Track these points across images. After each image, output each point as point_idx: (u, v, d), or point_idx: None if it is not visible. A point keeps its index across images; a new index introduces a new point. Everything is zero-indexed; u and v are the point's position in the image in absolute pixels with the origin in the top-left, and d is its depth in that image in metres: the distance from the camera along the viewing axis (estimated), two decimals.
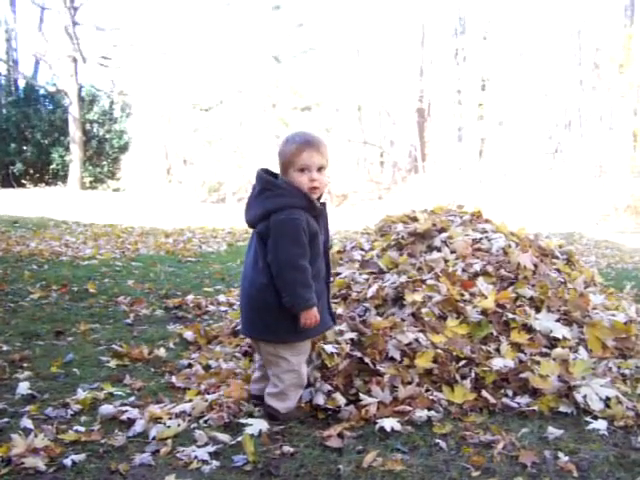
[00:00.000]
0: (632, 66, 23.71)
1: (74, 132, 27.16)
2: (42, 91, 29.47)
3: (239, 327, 3.14)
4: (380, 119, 41.79)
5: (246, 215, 2.93)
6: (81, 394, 3.09)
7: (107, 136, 30.25)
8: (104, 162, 30.66)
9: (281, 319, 2.80)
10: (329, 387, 3.05)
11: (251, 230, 2.98)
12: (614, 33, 25.52)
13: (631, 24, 26.26)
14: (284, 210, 2.74)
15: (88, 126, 29.24)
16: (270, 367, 2.93)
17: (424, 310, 3.45)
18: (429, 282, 3.65)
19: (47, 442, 2.54)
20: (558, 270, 4.11)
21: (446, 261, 3.86)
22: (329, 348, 3.17)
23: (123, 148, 31.84)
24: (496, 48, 26.81)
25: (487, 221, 4.46)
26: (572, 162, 25.00)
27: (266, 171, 2.90)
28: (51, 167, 28.55)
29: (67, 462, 2.41)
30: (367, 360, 3.16)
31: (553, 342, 3.42)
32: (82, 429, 2.71)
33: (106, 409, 2.90)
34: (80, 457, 2.46)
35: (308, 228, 2.77)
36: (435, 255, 3.91)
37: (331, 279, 3.42)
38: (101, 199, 21.71)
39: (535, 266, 3.89)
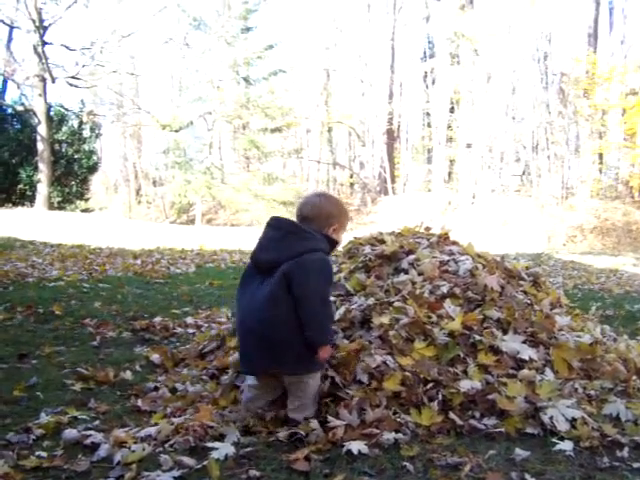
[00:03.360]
0: (595, 91, 24.17)
1: (42, 152, 26.94)
2: (10, 110, 29.21)
3: (241, 362, 3.12)
4: (350, 141, 42.06)
5: (265, 254, 3.05)
6: (44, 418, 3.03)
7: (76, 156, 30.04)
8: (73, 182, 30.43)
9: (305, 352, 2.93)
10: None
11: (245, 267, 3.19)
12: (578, 59, 25.99)
13: (594, 51, 26.79)
14: (317, 252, 2.98)
15: (57, 146, 29.03)
16: (293, 387, 3.05)
17: (391, 332, 3.45)
18: (396, 304, 3.65)
19: (7, 469, 2.48)
20: (525, 292, 4.13)
21: (413, 283, 3.86)
22: None
23: (92, 168, 31.66)
24: (465, 71, 27.12)
25: (454, 243, 4.48)
26: (540, 184, 25.29)
27: (280, 218, 3.17)
28: (19, 187, 28.27)
29: None
30: (338, 380, 3.16)
31: (520, 363, 3.43)
32: (44, 454, 2.65)
33: (70, 433, 2.84)
34: None
35: None
36: (402, 277, 3.91)
37: None
38: (69, 220, 21.52)
39: (502, 288, 3.91)
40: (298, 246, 2.97)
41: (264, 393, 3.14)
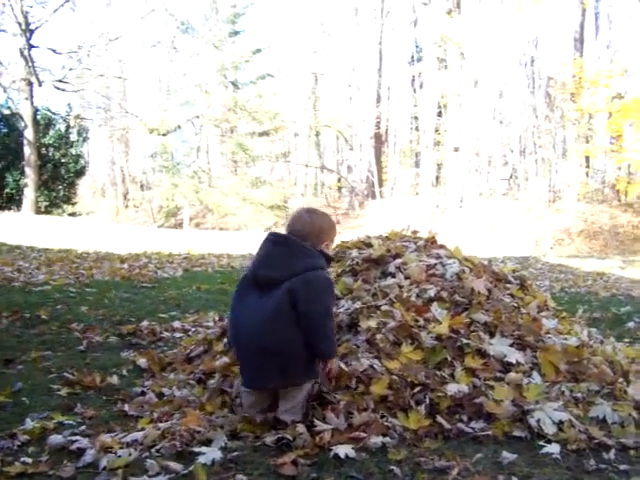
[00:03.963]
0: (582, 95, 24.32)
1: (29, 156, 26.75)
2: None
3: (249, 380, 3.13)
4: (338, 144, 42.10)
5: (266, 271, 3.06)
6: (29, 424, 3.00)
7: (63, 160, 29.85)
8: (60, 186, 30.25)
9: (308, 364, 3.03)
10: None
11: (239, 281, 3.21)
12: (565, 63, 26.14)
13: (581, 55, 26.96)
14: (318, 269, 3.05)
15: (44, 150, 28.83)
16: (287, 393, 3.07)
17: (379, 336, 3.45)
18: (384, 308, 3.65)
19: None
20: (511, 295, 4.14)
21: (400, 287, 3.87)
22: None
23: (79, 172, 31.46)
24: (452, 75, 27.20)
25: (441, 247, 4.49)
26: (527, 188, 25.39)
27: (281, 234, 3.19)
28: (5, 191, 28.10)
29: None
30: (324, 388, 3.16)
31: (507, 367, 3.43)
32: (29, 460, 2.62)
33: (55, 439, 2.82)
34: None
35: None
36: (389, 281, 3.92)
37: None
38: (56, 224, 21.39)
39: (489, 291, 3.92)
40: (301, 263, 3.02)
41: (264, 399, 3.14)
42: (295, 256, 3.04)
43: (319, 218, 3.27)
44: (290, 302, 2.93)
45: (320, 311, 2.99)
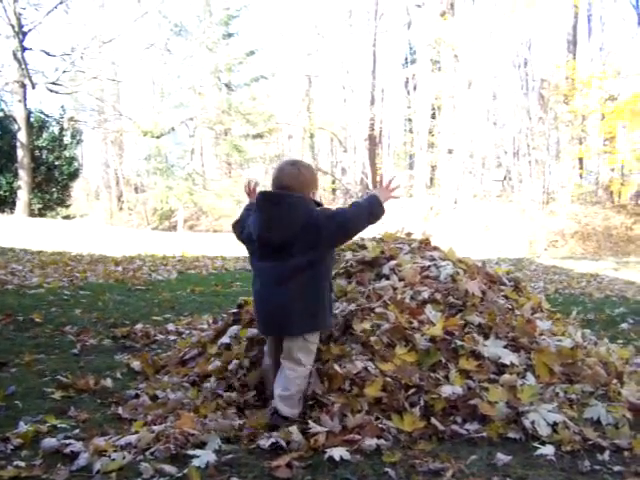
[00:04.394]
0: (575, 96, 24.36)
1: (22, 158, 26.67)
2: None
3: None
4: (332, 146, 42.09)
5: (273, 233, 3.15)
6: (23, 427, 2.99)
7: (56, 163, 29.75)
8: (53, 189, 30.14)
9: (302, 318, 3.13)
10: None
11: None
12: (558, 65, 26.17)
13: (574, 57, 27.02)
14: (316, 208, 3.20)
15: (37, 152, 28.73)
16: (284, 370, 3.14)
17: (373, 338, 3.45)
18: (378, 310, 3.65)
19: None
20: (506, 297, 4.14)
21: (395, 289, 3.87)
22: None
23: (73, 175, 31.35)
24: (446, 77, 27.21)
25: (435, 248, 4.49)
26: (521, 189, 25.41)
27: (273, 193, 3.24)
28: None
29: None
30: (318, 390, 3.16)
31: (501, 368, 3.43)
32: (23, 464, 2.61)
33: (49, 442, 2.81)
34: None
35: None
36: (384, 283, 3.91)
37: None
38: (50, 226, 21.33)
39: (483, 293, 3.92)
40: (301, 215, 3.11)
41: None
42: (295, 209, 3.12)
43: (305, 169, 3.33)
44: (297, 267, 3.09)
45: (343, 225, 3.15)
